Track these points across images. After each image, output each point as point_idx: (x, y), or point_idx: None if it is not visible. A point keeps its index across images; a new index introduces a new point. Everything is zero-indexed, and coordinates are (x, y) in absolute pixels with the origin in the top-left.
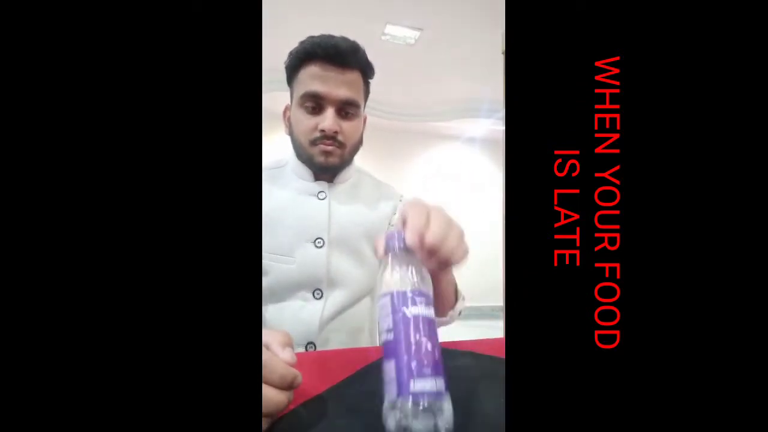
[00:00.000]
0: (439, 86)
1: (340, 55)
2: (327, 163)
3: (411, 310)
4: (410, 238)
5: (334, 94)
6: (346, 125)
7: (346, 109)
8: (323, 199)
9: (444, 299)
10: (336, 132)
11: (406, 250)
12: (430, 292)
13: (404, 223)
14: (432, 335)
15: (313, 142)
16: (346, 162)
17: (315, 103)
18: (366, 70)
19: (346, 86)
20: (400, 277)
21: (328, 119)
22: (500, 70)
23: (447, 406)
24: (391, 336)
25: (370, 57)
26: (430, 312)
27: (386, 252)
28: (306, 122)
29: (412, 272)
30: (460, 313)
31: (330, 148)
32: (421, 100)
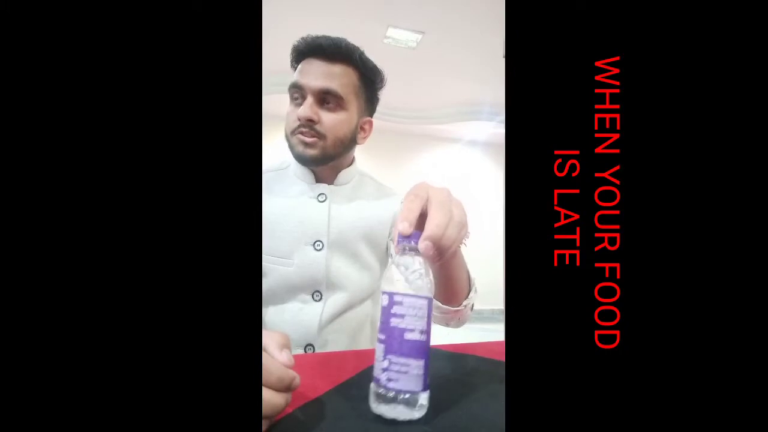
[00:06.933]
0: (441, 89)
1: (321, 49)
2: (305, 153)
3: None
4: (425, 247)
5: (312, 83)
6: (327, 116)
7: (327, 99)
8: (323, 201)
9: (457, 285)
10: (311, 120)
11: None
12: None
13: (417, 215)
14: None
15: (293, 132)
16: (329, 156)
17: (298, 95)
18: (360, 68)
19: (327, 77)
20: (421, 283)
21: (304, 106)
22: (502, 74)
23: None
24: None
25: (372, 60)
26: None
27: (400, 249)
28: (291, 114)
29: (427, 274)
30: (472, 307)
31: (309, 139)
32: (422, 102)
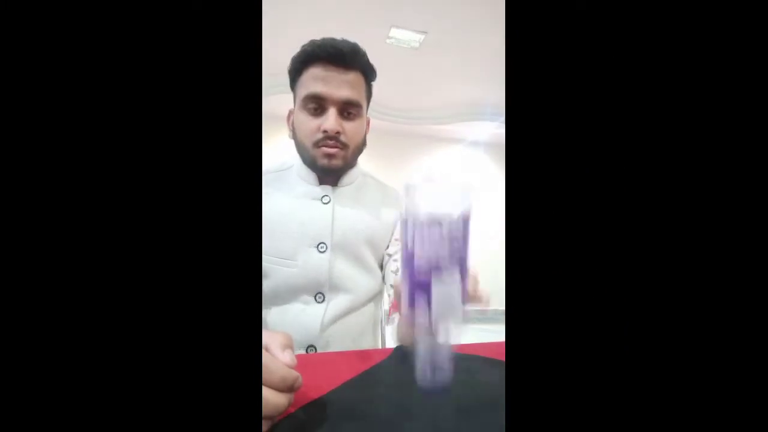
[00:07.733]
0: (444, 89)
1: (341, 55)
2: (330, 165)
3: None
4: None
5: (336, 94)
6: (349, 126)
7: (348, 110)
8: (327, 203)
9: None
10: (338, 132)
11: None
12: None
13: None
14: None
15: (316, 144)
16: (349, 164)
17: (317, 105)
18: (367, 72)
19: (348, 86)
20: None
21: (330, 119)
22: (504, 74)
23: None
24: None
25: (375, 60)
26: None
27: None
28: (309, 124)
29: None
30: None
31: (333, 150)
32: (425, 103)
